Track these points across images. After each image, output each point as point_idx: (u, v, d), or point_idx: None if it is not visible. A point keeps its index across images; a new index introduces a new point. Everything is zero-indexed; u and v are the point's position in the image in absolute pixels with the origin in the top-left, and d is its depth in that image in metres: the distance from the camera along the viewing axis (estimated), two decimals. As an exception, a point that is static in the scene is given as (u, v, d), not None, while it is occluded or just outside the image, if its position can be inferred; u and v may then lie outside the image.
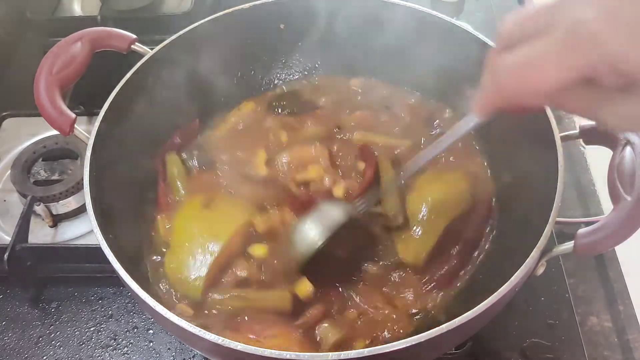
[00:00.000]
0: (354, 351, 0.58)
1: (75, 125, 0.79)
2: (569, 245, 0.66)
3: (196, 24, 0.91)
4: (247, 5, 0.94)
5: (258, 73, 1.03)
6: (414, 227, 0.83)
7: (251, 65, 1.02)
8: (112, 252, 0.68)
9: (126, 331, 0.89)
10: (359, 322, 0.78)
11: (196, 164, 0.92)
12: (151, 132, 0.90)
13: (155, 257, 0.83)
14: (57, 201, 0.98)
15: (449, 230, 0.83)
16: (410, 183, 0.85)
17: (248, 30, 0.96)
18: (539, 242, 0.66)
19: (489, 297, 0.62)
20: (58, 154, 1.05)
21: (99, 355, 0.87)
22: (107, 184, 0.77)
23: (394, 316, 0.78)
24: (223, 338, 0.60)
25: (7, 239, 0.94)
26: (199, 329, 0.61)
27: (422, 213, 0.83)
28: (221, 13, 0.92)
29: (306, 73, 1.05)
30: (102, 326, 0.90)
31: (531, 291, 0.89)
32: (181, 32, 0.90)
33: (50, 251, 0.94)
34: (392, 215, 0.83)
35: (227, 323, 0.75)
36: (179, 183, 0.88)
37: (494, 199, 0.88)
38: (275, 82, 1.04)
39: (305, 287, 0.78)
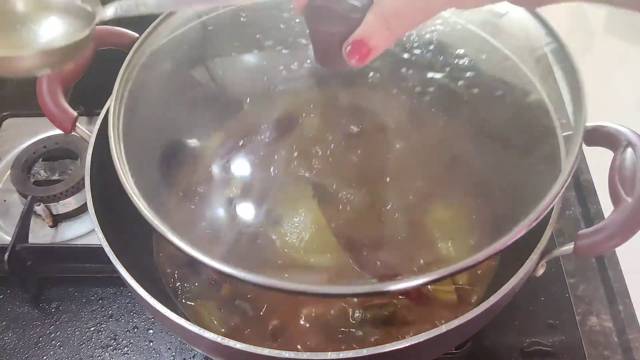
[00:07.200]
0: (352, 351, 0.58)
1: (77, 124, 0.79)
2: (569, 246, 0.66)
3: (198, 21, 0.91)
4: (249, 2, 0.94)
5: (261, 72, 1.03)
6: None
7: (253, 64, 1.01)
8: (113, 251, 0.68)
9: (126, 331, 0.89)
10: None
11: None
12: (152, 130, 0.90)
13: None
14: (58, 201, 0.98)
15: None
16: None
17: (249, 29, 0.96)
18: (539, 243, 0.66)
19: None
20: (58, 154, 1.05)
21: (99, 355, 0.87)
22: (108, 182, 0.77)
23: None
24: (222, 337, 0.60)
25: (7, 239, 0.94)
26: (199, 327, 0.61)
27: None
28: (223, 10, 0.92)
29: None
30: (102, 326, 0.90)
31: (531, 291, 0.89)
32: (182, 30, 0.90)
33: (50, 251, 0.94)
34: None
35: None
36: None
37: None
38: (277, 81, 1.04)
39: None
